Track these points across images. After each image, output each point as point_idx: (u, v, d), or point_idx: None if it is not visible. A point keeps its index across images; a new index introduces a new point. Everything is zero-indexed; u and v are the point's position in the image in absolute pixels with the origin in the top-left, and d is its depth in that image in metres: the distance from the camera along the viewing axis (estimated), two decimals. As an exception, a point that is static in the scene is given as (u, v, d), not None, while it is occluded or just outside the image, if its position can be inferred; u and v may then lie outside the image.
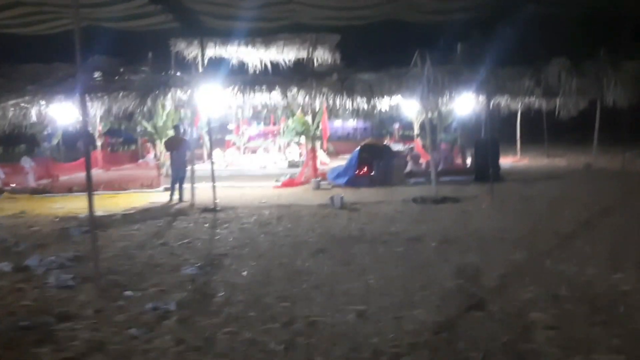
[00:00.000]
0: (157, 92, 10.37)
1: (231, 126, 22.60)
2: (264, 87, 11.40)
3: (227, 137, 22.29)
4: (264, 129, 22.93)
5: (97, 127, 20.51)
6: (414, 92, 11.03)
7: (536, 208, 9.76)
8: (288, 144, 21.14)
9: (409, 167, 14.48)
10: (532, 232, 7.74)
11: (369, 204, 10.82)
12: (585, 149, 21.39)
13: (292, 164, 18.19)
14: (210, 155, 22.29)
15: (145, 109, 10.66)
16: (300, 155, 20.21)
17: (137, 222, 9.63)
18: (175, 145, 11.95)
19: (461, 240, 7.42)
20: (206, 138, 22.24)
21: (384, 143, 23.18)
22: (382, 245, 7.29)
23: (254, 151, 21.70)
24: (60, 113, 17.63)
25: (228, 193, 13.33)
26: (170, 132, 14.75)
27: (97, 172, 20.29)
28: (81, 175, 19.09)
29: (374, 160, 13.50)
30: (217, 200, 11.74)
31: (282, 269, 6.27)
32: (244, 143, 21.62)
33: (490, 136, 13.73)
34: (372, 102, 11.84)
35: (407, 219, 9.09)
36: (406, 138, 25.03)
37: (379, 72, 11.47)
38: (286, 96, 12.16)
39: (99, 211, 10.94)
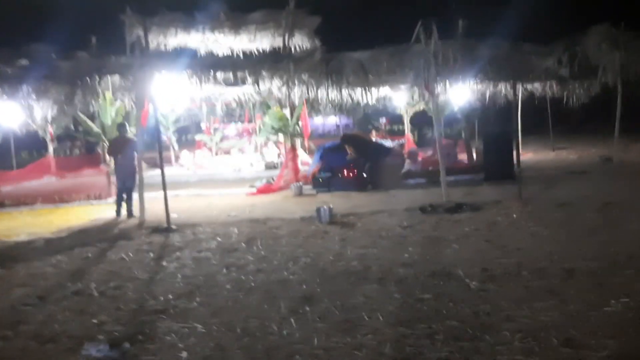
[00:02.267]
0: (88, 80, 7.86)
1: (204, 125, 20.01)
2: (228, 72, 8.91)
3: (197, 137, 19.71)
4: (242, 128, 20.38)
5: (49, 130, 17.82)
6: (418, 72, 8.64)
7: (587, 219, 7.35)
8: (265, 143, 18.66)
9: (406, 166, 12.11)
10: (610, 260, 5.40)
11: (365, 216, 8.43)
12: (594, 141, 19.33)
13: (269, 166, 15.72)
14: (176, 158, 19.84)
15: (77, 102, 8.13)
16: (279, 155, 17.76)
17: (61, 250, 7.09)
18: (121, 147, 9.40)
19: (511, 274, 5.07)
20: (173, 139, 19.87)
21: (372, 139, 20.91)
22: (398, 286, 4.90)
23: (227, 152, 19.17)
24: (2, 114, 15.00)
25: (192, 203, 10.84)
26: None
27: (48, 181, 17.66)
28: (28, 185, 16.41)
29: (361, 157, 11.13)
30: (176, 215, 9.28)
31: (247, 341, 3.84)
32: (217, 143, 19.06)
33: (503, 128, 11.47)
34: (366, 87, 9.40)
35: (422, 239, 6.71)
36: (395, 133, 22.72)
37: (373, 50, 9.03)
38: (257, 83, 9.70)
39: (22, 234, 8.45)
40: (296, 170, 11.93)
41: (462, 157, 13.77)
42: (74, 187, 13.68)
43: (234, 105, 18.33)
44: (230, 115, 20.75)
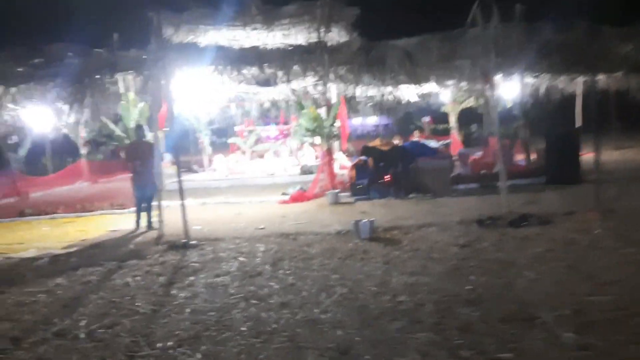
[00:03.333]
0: (98, 77, 6.97)
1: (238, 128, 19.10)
2: (255, 66, 7.85)
3: (230, 140, 18.84)
4: (277, 130, 19.39)
5: (80, 134, 17.33)
6: (475, 61, 7.35)
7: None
8: (300, 146, 17.61)
9: (456, 170, 10.78)
10: None
11: (411, 230, 7.21)
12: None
13: (305, 170, 14.63)
14: (210, 162, 19.01)
15: (86, 101, 7.27)
16: (316, 158, 16.67)
17: (64, 271, 6.19)
18: (139, 152, 8.49)
19: (616, 321, 3.77)
20: (206, 142, 19.08)
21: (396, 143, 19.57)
22: (462, 336, 3.68)
23: (262, 155, 18.22)
24: (31, 118, 14.54)
25: (219, 213, 9.86)
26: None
27: (80, 187, 17.16)
28: (60, 191, 15.90)
29: (393, 163, 9.95)
30: (199, 227, 8.33)
31: None
32: (250, 146, 18.14)
33: (566, 126, 10.01)
34: (412, 80, 8.09)
35: (484, 263, 5.45)
36: (439, 133, 21.25)
37: (421, 36, 7.72)
38: (288, 79, 8.62)
39: (32, 249, 7.64)
40: (332, 175, 10.80)
41: (519, 158, 12.27)
42: (101, 194, 12.98)
43: (267, 106, 17.48)
44: (265, 117, 19.82)
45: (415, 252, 6.03)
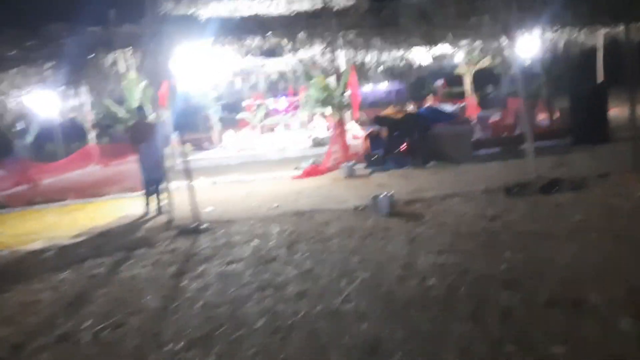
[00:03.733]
0: (92, 56, 6.50)
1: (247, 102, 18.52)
2: (258, 35, 7.30)
3: (239, 116, 18.35)
4: (287, 102, 18.81)
5: (87, 117, 16.95)
6: (495, 16, 6.73)
7: None
8: (311, 118, 17.08)
9: (476, 135, 10.21)
10: None
11: (434, 202, 6.75)
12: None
13: (317, 143, 14.15)
14: (218, 139, 18.57)
15: (83, 82, 6.81)
16: (328, 130, 16.15)
17: (71, 264, 5.87)
18: (144, 133, 8.07)
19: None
20: (215, 118, 18.62)
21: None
22: (505, 326, 3.26)
23: (272, 129, 17.74)
24: (38, 104, 14.21)
25: (231, 192, 9.48)
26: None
27: (92, 170, 16.89)
28: (71, 176, 15.63)
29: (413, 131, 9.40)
30: (211, 208, 7.97)
31: None
32: (260, 121, 17.65)
33: (592, 83, 9.36)
34: (429, 39, 7.42)
35: (518, 237, 4.98)
36: (454, 96, 20.51)
37: None
38: (294, 47, 8.08)
39: (40, 239, 7.35)
40: (346, 147, 10.31)
41: (542, 118, 11.63)
42: (112, 177, 12.67)
43: (275, 78, 16.91)
44: (274, 89, 19.24)
45: (441, 227, 5.58)
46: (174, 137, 21.05)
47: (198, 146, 19.93)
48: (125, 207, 9.17)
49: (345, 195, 7.95)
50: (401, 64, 15.99)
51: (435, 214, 6.15)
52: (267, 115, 18.10)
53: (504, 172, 8.05)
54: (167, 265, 5.43)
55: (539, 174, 7.25)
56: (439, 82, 21.33)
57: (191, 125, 26.15)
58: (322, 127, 16.29)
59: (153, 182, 8.21)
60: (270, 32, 7.33)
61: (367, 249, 5.18)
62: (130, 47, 7.00)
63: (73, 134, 19.16)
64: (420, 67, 17.44)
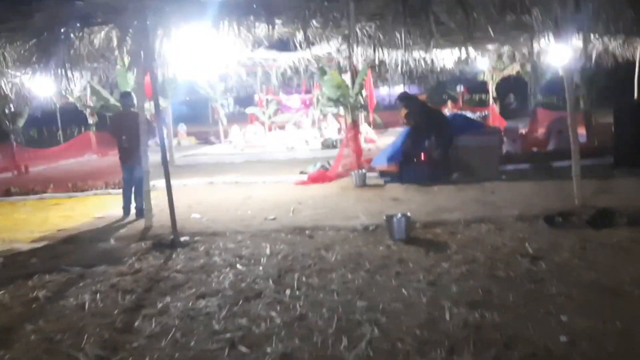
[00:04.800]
0: (62, 33, 5.37)
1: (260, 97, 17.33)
2: (262, 21, 6.11)
3: (248, 110, 17.23)
4: (303, 99, 17.61)
5: (87, 102, 15.90)
6: (550, 10, 5.48)
7: None
8: (324, 117, 15.90)
9: (504, 148, 8.93)
10: None
11: (459, 228, 5.53)
12: None
13: (327, 144, 12.96)
14: (225, 134, 17.42)
15: (53, 65, 5.71)
16: (340, 131, 14.97)
17: (12, 280, 4.73)
18: (125, 125, 6.92)
19: None
20: (221, 112, 17.50)
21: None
22: None
23: (282, 127, 16.61)
24: (33, 86, 13.16)
25: (226, 196, 8.32)
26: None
27: (88, 159, 15.85)
28: (64, 165, 14.59)
29: (439, 136, 8.11)
30: (197, 216, 6.83)
31: None
32: (270, 117, 16.51)
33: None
34: (468, 37, 6.11)
35: (576, 289, 3.76)
36: (475, 104, 19.20)
37: None
38: (305, 37, 6.89)
39: (-1, 242, 6.26)
40: (358, 152, 9.10)
41: (579, 134, 10.26)
42: (106, 169, 11.60)
43: (288, 73, 15.75)
44: (287, 85, 18.08)
45: (471, 266, 4.36)
46: (182, 129, 20.15)
47: (205, 140, 18.91)
48: (106, 206, 8.06)
49: (353, 209, 6.75)
50: (422, 66, 14.78)
51: (462, 245, 4.93)
52: (277, 111, 16.98)
53: (539, 195, 6.81)
54: (124, 292, 4.26)
55: (583, 201, 6.02)
56: (460, 88, 20.02)
57: (199, 117, 25.10)
58: (334, 128, 15.12)
59: (134, 181, 7.06)
60: (278, 16, 6.08)
61: (378, 290, 3.97)
62: (112, 25, 5.82)
63: (74, 119, 18.16)
64: (441, 71, 16.23)
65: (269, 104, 16.62)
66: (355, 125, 9.29)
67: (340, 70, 10.48)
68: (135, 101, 6.95)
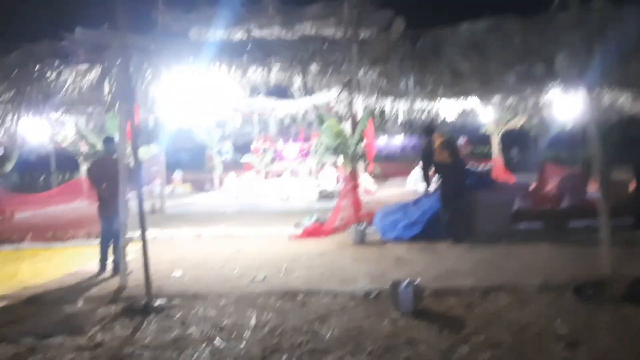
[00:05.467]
0: (36, 71, 4.82)
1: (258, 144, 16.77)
2: (258, 63, 5.58)
3: (244, 159, 16.68)
4: (301, 147, 17.09)
5: (81, 147, 15.31)
6: (572, 59, 4.96)
7: None
8: (321, 167, 15.34)
9: (516, 204, 8.26)
10: None
11: (474, 299, 4.79)
12: None
13: (324, 195, 12.30)
14: (220, 182, 16.78)
15: (23, 107, 5.12)
16: (337, 181, 14.36)
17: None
18: (106, 172, 6.26)
19: None
20: (216, 160, 16.95)
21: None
22: None
23: (279, 175, 16.01)
24: (25, 130, 12.68)
25: (213, 250, 7.56)
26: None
27: (77, 206, 15.10)
28: (53, 211, 13.85)
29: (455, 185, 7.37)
30: (179, 274, 6.09)
31: None
32: (266, 165, 15.94)
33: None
34: (482, 77, 5.60)
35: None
36: (478, 156, 18.71)
37: (494, 18, 5.26)
38: (304, 81, 6.37)
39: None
40: (357, 205, 8.43)
41: (593, 191, 9.63)
42: (92, 216, 10.86)
43: (286, 122, 15.32)
44: (285, 133, 17.62)
45: (495, 351, 3.60)
46: (177, 176, 19.56)
47: (199, 187, 18.25)
48: (84, 258, 7.29)
49: (352, 271, 6.01)
50: (424, 117, 14.37)
51: (481, 322, 4.17)
52: (274, 160, 16.43)
53: (559, 259, 6.09)
54: (75, 376, 3.49)
55: (613, 269, 5.30)
56: (462, 140, 19.58)
57: (197, 164, 24.57)
58: (331, 178, 14.52)
59: (113, 234, 6.34)
60: (274, 57, 5.56)
61: (384, 384, 3.21)
62: (94, 64, 5.26)
63: (69, 165, 17.57)
64: (443, 122, 15.83)
65: (265, 152, 16.10)
66: (354, 176, 8.67)
67: (340, 118, 9.97)
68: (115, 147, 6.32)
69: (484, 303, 4.65)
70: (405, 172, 18.97)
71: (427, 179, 8.03)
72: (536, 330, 3.96)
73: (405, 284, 4.62)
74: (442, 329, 4.05)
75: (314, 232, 8.22)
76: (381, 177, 17.27)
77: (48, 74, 5.07)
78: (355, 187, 8.49)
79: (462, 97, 10.11)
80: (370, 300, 4.92)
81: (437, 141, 7.48)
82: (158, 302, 4.97)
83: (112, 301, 5.15)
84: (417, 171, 15.06)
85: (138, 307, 4.80)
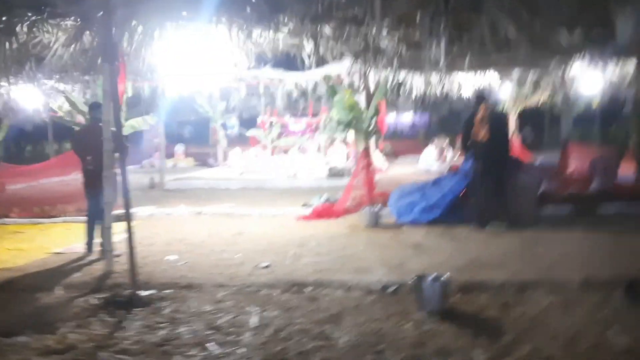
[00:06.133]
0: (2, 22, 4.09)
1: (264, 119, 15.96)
2: (261, 17, 4.81)
3: (249, 133, 15.94)
4: (309, 122, 16.28)
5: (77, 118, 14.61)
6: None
7: None
8: (331, 143, 14.59)
9: (542, 187, 7.53)
10: None
11: (508, 295, 4.12)
12: None
13: (334, 173, 11.58)
14: (225, 157, 16.09)
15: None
16: (348, 158, 13.63)
17: None
18: (92, 142, 5.55)
19: None
20: (221, 133, 16.22)
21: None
22: None
23: (285, 151, 15.27)
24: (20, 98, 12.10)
25: (214, 231, 6.91)
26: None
27: (74, 178, 14.48)
28: (48, 183, 13.26)
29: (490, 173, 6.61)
30: (174, 258, 5.46)
31: None
32: (272, 141, 15.20)
33: None
34: (531, 35, 4.77)
35: None
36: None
37: None
38: (315, 41, 5.61)
39: None
40: (371, 185, 7.72)
41: (627, 173, 8.83)
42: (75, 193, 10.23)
43: (294, 95, 14.54)
44: (292, 108, 16.80)
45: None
46: (180, 149, 18.88)
47: (202, 162, 17.58)
48: (72, 237, 6.68)
49: (366, 258, 5.35)
50: (439, 91, 13.56)
51: (522, 329, 3.50)
52: (281, 135, 15.68)
53: (598, 250, 5.39)
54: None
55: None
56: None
57: (201, 138, 23.87)
58: (341, 155, 13.78)
59: (101, 211, 5.68)
60: (283, 15, 4.79)
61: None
62: (73, 18, 4.52)
63: (65, 135, 16.90)
64: (459, 97, 15.00)
65: (272, 126, 15.33)
66: (368, 153, 7.93)
67: (353, 91, 9.19)
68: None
69: (521, 303, 3.98)
70: (415, 151, 18.20)
71: (464, 150, 7.06)
72: (590, 341, 3.28)
73: (431, 278, 3.95)
74: (476, 335, 3.39)
75: (324, 213, 7.54)
76: (392, 155, 16.52)
77: (18, 29, 4.32)
78: (368, 164, 7.76)
79: (483, 70, 9.35)
80: (389, 295, 4.26)
81: (481, 113, 6.64)
82: (147, 293, 4.34)
83: (94, 290, 4.52)
84: (430, 150, 14.31)
85: (121, 300, 4.16)
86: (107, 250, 5.07)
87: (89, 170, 5.66)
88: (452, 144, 15.90)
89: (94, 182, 5.61)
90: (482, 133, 6.52)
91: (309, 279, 4.66)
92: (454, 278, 4.40)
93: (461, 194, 6.84)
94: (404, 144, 21.10)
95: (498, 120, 6.75)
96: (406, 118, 28.01)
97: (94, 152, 5.50)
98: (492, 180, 6.51)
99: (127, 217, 4.29)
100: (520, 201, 6.78)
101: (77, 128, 8.07)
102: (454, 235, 6.27)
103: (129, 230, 4.31)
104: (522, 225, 6.47)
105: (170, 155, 17.71)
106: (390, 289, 4.34)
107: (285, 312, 3.91)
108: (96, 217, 5.74)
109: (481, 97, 6.91)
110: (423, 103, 18.25)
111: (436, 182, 7.31)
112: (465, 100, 17.11)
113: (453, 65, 7.03)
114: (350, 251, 5.69)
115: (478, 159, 6.60)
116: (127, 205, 4.28)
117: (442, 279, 3.93)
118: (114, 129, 4.72)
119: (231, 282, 4.64)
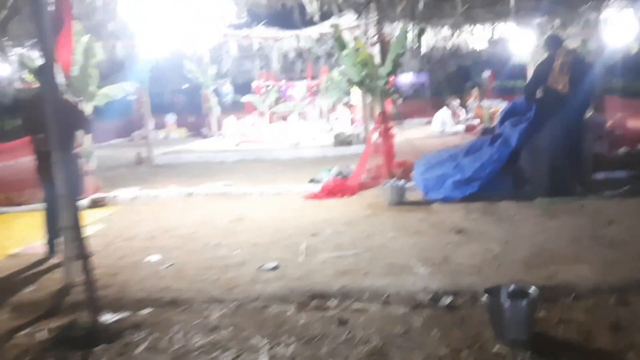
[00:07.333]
0: None
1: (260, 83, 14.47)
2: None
3: (244, 99, 14.54)
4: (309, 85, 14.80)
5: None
6: None
7: None
8: (333, 107, 13.26)
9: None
10: None
11: (607, 305, 2.95)
12: None
13: (341, 141, 10.27)
14: (219, 126, 14.71)
15: None
16: (353, 123, 12.33)
17: None
18: (44, 118, 4.28)
19: None
20: (212, 100, 14.77)
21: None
22: None
23: (285, 118, 13.93)
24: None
25: (207, 218, 5.69)
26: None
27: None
28: (21, 162, 11.91)
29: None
30: (156, 258, 4.26)
31: None
32: (270, 107, 13.82)
33: None
34: None
35: None
36: (506, 92, 16.42)
37: None
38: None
39: None
40: (390, 155, 6.46)
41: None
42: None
43: (291, 56, 13.13)
44: (290, 71, 15.31)
45: None
46: (171, 119, 17.48)
47: (196, 132, 16.24)
48: (36, 232, 5.44)
49: (400, 250, 4.16)
50: (448, 47, 12.20)
51: None
52: (279, 100, 14.28)
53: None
54: None
55: None
56: (486, 74, 17.29)
57: (195, 107, 22.42)
58: (345, 120, 12.48)
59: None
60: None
61: None
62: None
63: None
64: (472, 52, 13.61)
65: (269, 91, 13.92)
66: (385, 117, 6.62)
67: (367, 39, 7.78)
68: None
69: (629, 319, 2.80)
70: (421, 113, 16.85)
71: (530, 101, 5.71)
72: None
73: (509, 291, 2.76)
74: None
75: (336, 189, 6.28)
76: (400, 118, 15.17)
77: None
78: (387, 130, 6.48)
79: (497, 22, 8.12)
80: (444, 310, 3.09)
81: (560, 60, 5.34)
82: (115, 318, 3.16)
83: (47, 314, 3.33)
84: (443, 111, 12.96)
85: (79, 332, 2.97)
86: (67, 256, 3.85)
87: (42, 152, 4.39)
88: (462, 104, 14.60)
89: (49, 167, 4.33)
90: (561, 82, 5.25)
91: (332, 287, 3.48)
92: (520, 276, 3.25)
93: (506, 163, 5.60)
94: (408, 105, 19.73)
95: (582, 71, 5.46)
96: (406, 78, 26.41)
97: (45, 129, 4.22)
98: (566, 143, 5.30)
99: (76, 229, 3.05)
100: (572, 167, 5.56)
101: (25, 98, 6.74)
102: (500, 215, 5.07)
103: (83, 253, 3.09)
104: (572, 194, 5.29)
105: (161, 125, 16.37)
106: (444, 302, 3.17)
107: (306, 347, 2.74)
108: (54, 210, 4.50)
109: (557, 40, 5.63)
110: (430, 60, 16.89)
111: (470, 149, 6.05)
112: (476, 55, 15.68)
113: (468, 15, 5.73)
114: (377, 241, 4.50)
115: (551, 113, 5.34)
116: (73, 210, 3.04)
117: (530, 292, 2.74)
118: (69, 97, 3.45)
119: (229, 295, 3.47)
